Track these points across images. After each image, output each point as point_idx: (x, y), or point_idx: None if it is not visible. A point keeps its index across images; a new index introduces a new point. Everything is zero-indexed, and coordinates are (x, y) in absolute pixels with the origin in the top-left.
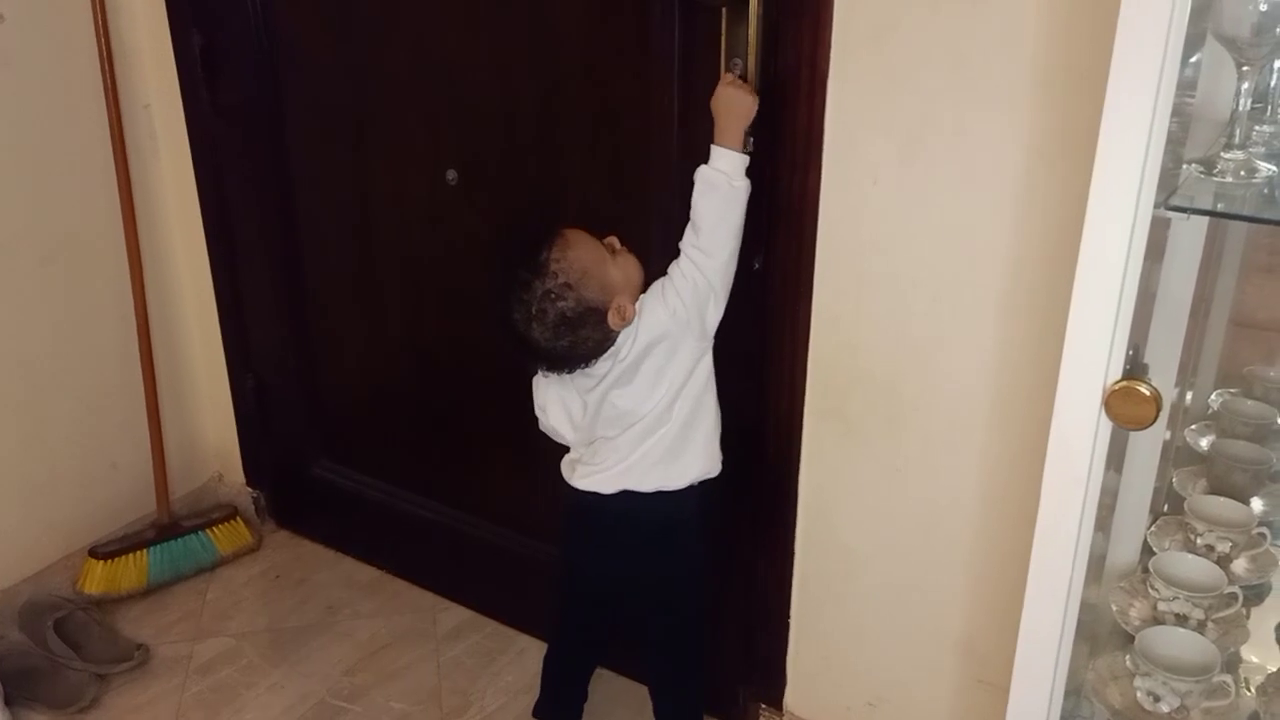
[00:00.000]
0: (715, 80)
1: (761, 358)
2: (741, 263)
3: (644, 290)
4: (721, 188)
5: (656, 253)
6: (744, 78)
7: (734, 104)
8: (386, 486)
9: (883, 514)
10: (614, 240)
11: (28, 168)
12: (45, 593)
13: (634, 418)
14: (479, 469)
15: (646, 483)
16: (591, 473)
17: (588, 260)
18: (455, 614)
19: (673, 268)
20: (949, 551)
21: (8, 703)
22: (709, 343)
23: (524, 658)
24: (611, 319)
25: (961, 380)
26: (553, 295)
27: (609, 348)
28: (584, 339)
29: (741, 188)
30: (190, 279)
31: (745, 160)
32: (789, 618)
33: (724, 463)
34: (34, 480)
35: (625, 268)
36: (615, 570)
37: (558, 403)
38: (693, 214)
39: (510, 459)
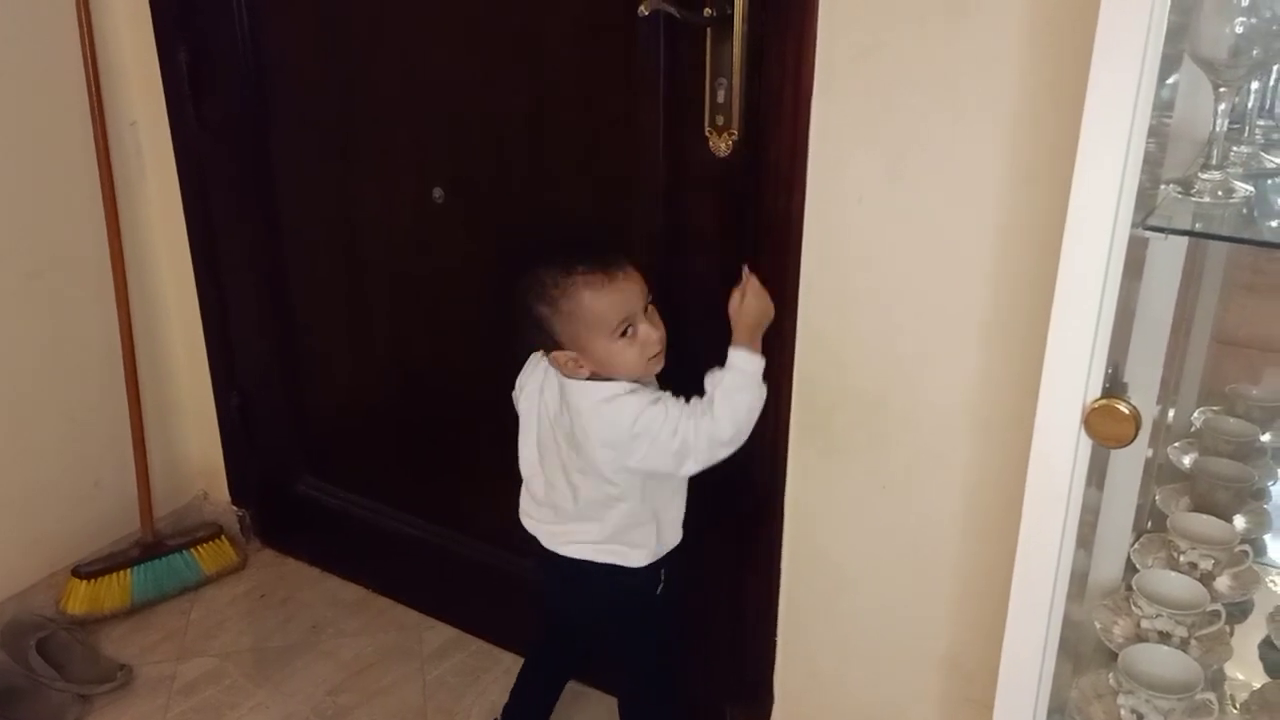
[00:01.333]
0: (700, 97)
1: None
2: (725, 282)
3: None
4: (752, 389)
5: (640, 271)
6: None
7: (759, 315)
8: (372, 504)
9: (869, 532)
10: (650, 323)
11: (12, 184)
12: (28, 612)
13: (579, 473)
14: (465, 487)
15: (599, 555)
16: (540, 525)
17: (582, 316)
18: (441, 632)
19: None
20: (935, 569)
21: None
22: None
23: (509, 676)
24: (558, 357)
25: (946, 397)
26: (542, 299)
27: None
28: (530, 337)
29: (765, 388)
30: (175, 296)
31: (763, 362)
32: (775, 636)
33: (711, 479)
34: (16, 498)
35: (617, 354)
36: (574, 619)
37: (535, 388)
38: (717, 409)
39: (496, 477)
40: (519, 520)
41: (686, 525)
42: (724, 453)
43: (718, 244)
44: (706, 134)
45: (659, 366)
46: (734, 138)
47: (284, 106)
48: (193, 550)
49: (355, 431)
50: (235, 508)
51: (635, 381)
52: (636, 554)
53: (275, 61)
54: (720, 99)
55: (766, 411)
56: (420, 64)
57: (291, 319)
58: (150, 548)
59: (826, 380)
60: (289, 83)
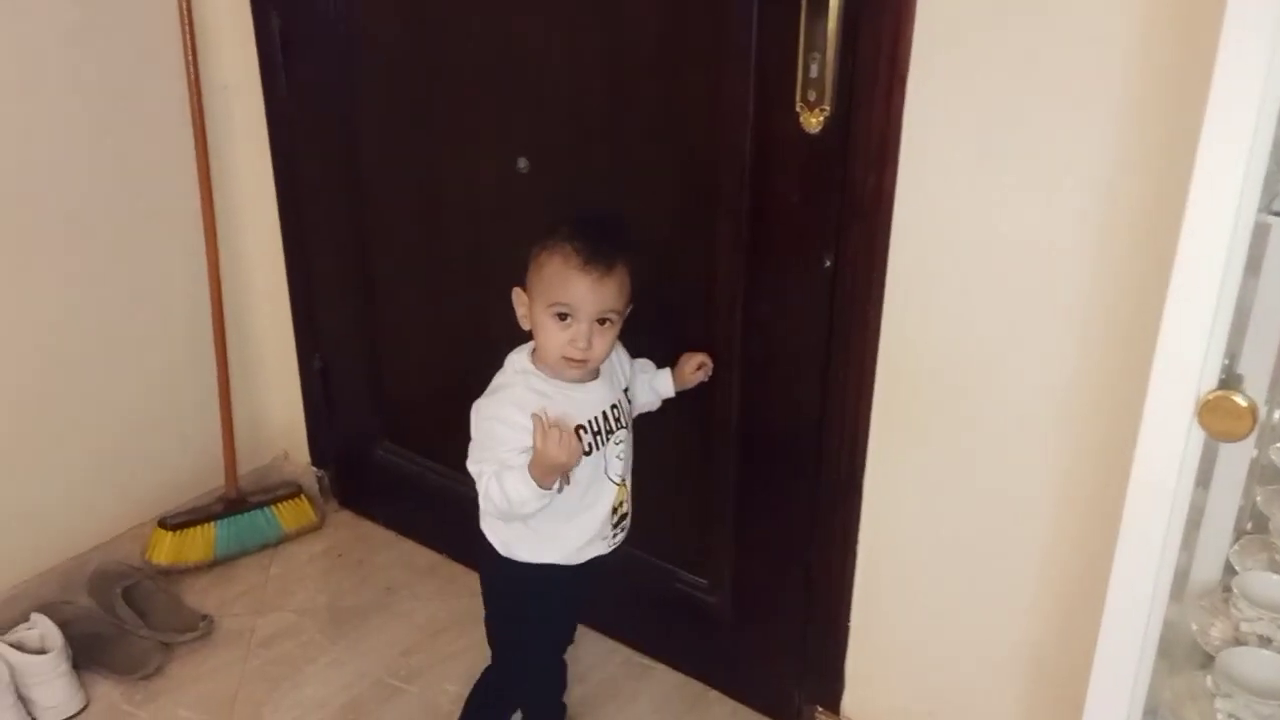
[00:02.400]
0: (792, 72)
1: (828, 356)
2: (811, 259)
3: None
4: (514, 509)
5: (724, 246)
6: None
7: (554, 463)
8: (447, 471)
9: (949, 519)
10: (591, 331)
11: (111, 146)
12: (115, 561)
13: None
14: None
15: (487, 528)
16: None
17: (543, 275)
18: None
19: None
20: (1017, 560)
21: (75, 667)
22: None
23: (578, 647)
24: (517, 293)
25: (1036, 385)
26: (539, 242)
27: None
28: None
29: (523, 513)
30: (262, 260)
31: (541, 495)
32: (848, 620)
33: (787, 455)
34: (107, 450)
35: (543, 326)
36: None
37: None
38: (495, 487)
39: None
40: None
41: (757, 507)
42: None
43: (802, 219)
44: (797, 109)
45: (572, 373)
46: (826, 114)
47: (371, 74)
48: (273, 508)
49: (432, 399)
50: (315, 469)
51: (547, 377)
52: (525, 548)
53: (364, 28)
54: (813, 74)
55: (847, 391)
56: (507, 33)
57: (373, 285)
58: (233, 503)
59: (910, 363)
60: (377, 50)
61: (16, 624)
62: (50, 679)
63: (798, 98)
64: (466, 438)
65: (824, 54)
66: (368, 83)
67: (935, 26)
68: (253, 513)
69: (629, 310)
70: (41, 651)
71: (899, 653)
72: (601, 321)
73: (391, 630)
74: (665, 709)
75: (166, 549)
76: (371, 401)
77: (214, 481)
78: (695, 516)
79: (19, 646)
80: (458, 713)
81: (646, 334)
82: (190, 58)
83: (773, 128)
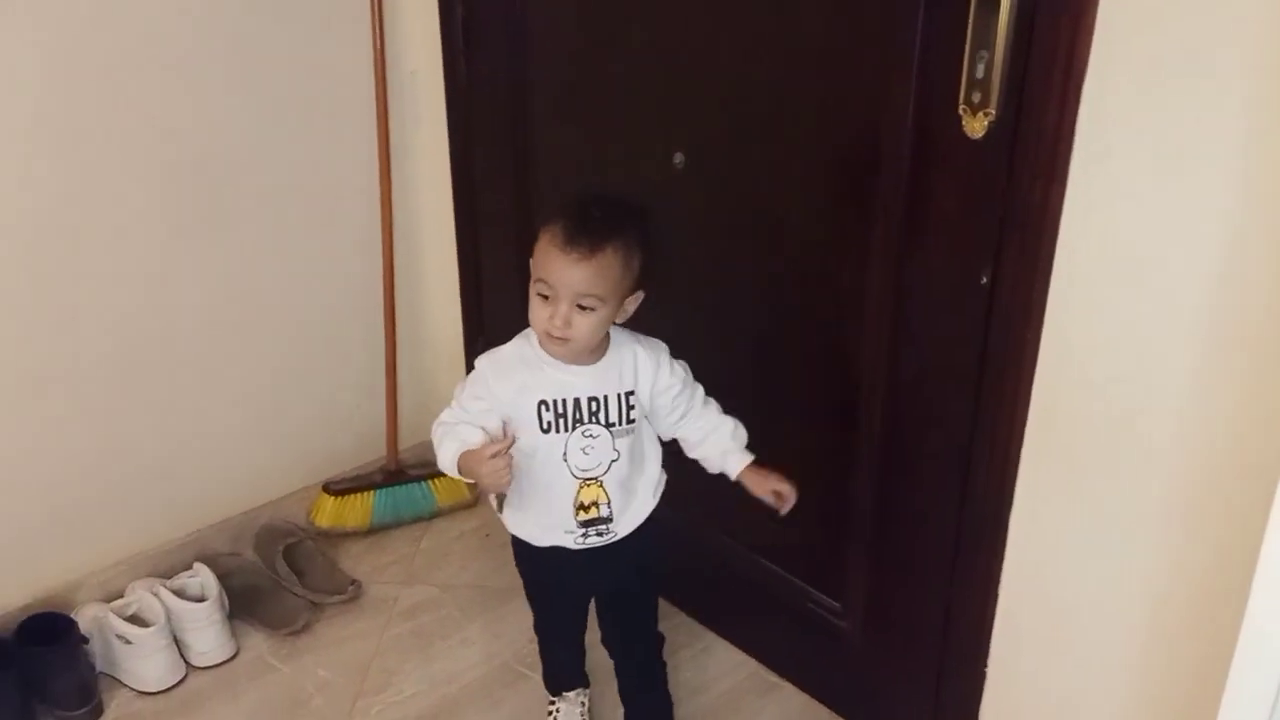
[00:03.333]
0: (956, 72)
1: (979, 380)
2: (967, 274)
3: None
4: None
5: (876, 251)
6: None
7: (474, 466)
8: None
9: (1103, 569)
10: (570, 311)
11: (298, 124)
12: (282, 519)
13: None
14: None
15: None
16: None
17: (536, 251)
18: None
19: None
20: (1180, 622)
21: (230, 617)
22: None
23: (707, 655)
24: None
25: (1214, 425)
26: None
27: None
28: None
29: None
30: (435, 245)
31: (453, 470)
32: (985, 666)
33: (929, 483)
34: (283, 417)
35: (531, 298)
36: None
37: None
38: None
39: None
40: (731, 499)
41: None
42: None
43: (960, 230)
44: (960, 113)
45: (555, 349)
46: (990, 119)
47: (541, 67)
48: (430, 482)
49: None
50: None
51: (538, 348)
52: (509, 514)
53: (539, 20)
54: (979, 74)
55: (999, 423)
56: (668, 29)
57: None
58: (393, 474)
59: (1069, 395)
60: (547, 44)
61: (183, 570)
62: (204, 626)
63: (960, 100)
64: None
65: (993, 52)
66: (538, 75)
67: (1121, 22)
68: (410, 485)
69: (636, 298)
70: (200, 599)
71: (1039, 706)
72: (583, 305)
73: (524, 616)
74: None
75: (328, 512)
76: None
77: (377, 452)
78: (831, 536)
79: (180, 592)
80: (575, 710)
81: (799, 340)
82: (378, 42)
83: (933, 131)
